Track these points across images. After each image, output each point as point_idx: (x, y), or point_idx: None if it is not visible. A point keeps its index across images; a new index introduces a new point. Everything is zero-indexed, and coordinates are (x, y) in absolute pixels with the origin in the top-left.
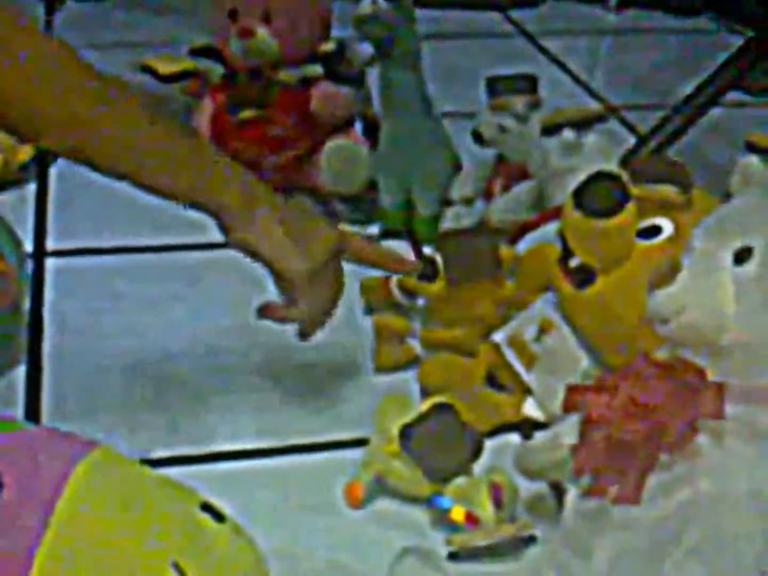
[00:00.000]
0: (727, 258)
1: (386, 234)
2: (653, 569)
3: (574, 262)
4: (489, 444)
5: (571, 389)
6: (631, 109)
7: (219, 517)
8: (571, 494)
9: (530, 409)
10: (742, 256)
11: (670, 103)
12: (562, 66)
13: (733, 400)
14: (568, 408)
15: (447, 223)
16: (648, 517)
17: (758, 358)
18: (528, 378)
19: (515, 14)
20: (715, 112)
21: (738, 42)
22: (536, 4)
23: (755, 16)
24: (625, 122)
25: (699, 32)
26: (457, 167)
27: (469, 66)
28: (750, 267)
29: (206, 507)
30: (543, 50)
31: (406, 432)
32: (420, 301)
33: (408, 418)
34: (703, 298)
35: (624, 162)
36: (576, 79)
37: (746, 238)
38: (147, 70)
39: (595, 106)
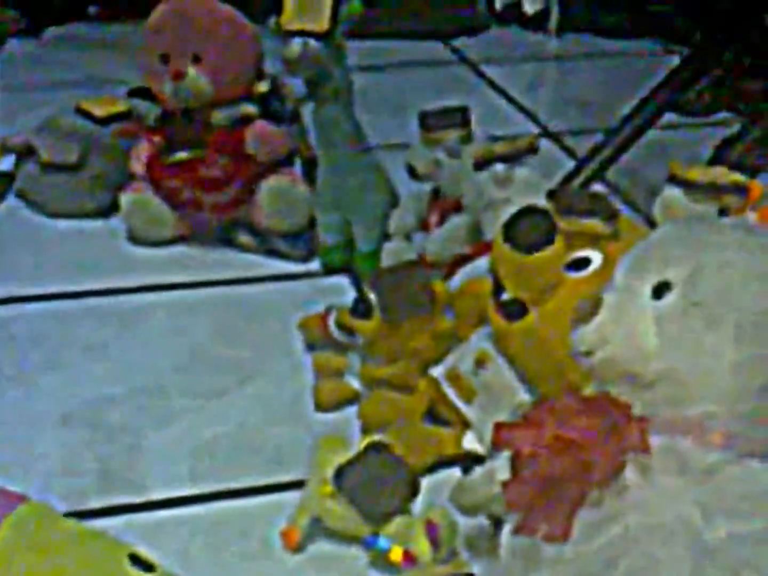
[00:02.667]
0: (646, 292)
1: (327, 270)
2: None
3: (505, 296)
4: (430, 479)
5: (499, 426)
6: (574, 134)
7: (148, 567)
8: (506, 530)
9: (470, 442)
10: (661, 290)
11: (611, 126)
12: (504, 93)
13: (659, 432)
14: (497, 445)
15: (387, 258)
16: (578, 553)
17: (681, 389)
18: (467, 412)
19: (457, 42)
20: (653, 133)
21: (677, 63)
22: (477, 31)
23: (691, 37)
24: (565, 147)
25: (639, 55)
26: (394, 201)
27: (411, 96)
28: (669, 300)
29: (135, 558)
30: (485, 78)
31: (340, 473)
32: (358, 339)
33: (343, 459)
34: (623, 332)
35: (551, 194)
36: (518, 106)
37: (665, 272)
38: (82, 112)
39: (525, 139)
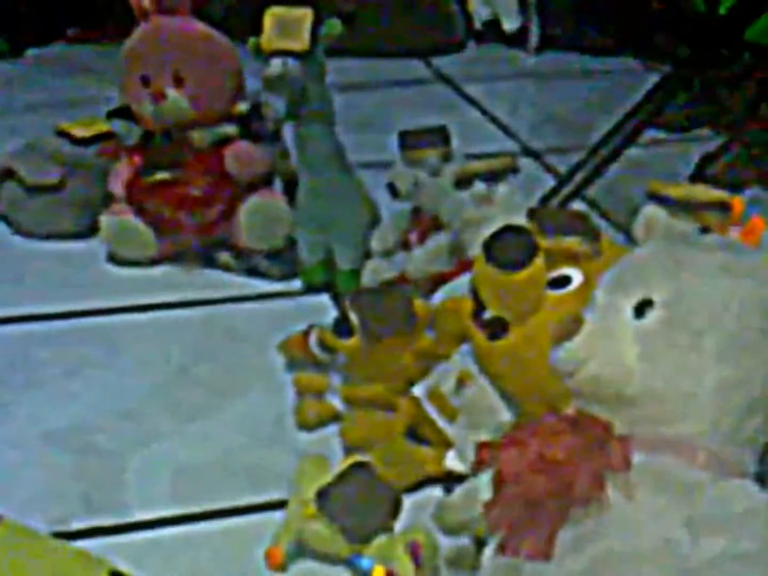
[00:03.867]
0: (627, 310)
1: (308, 289)
2: None
3: (486, 315)
4: (412, 499)
5: (482, 446)
6: (555, 152)
7: None
8: (488, 550)
9: (452, 461)
10: (642, 308)
11: (591, 144)
12: (484, 111)
13: (640, 450)
14: (479, 465)
15: (367, 276)
16: (561, 572)
17: (662, 408)
18: (449, 430)
19: (436, 61)
20: (634, 150)
21: (657, 79)
22: (457, 49)
23: (669, 54)
24: (547, 166)
25: (619, 72)
26: (375, 219)
27: (391, 114)
28: (651, 319)
29: (115, 574)
30: (465, 96)
31: (323, 493)
32: (340, 358)
33: (325, 479)
34: (604, 351)
35: (532, 213)
36: (498, 124)
37: (646, 290)
38: (63, 134)
39: (505, 157)
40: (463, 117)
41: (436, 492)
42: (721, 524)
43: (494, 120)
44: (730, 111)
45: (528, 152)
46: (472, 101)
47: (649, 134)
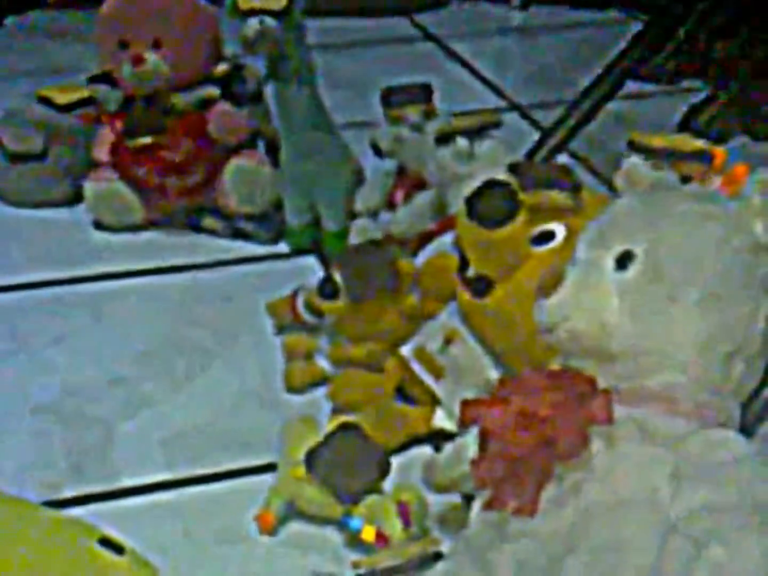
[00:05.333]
0: (608, 263)
1: (295, 251)
2: None
3: (471, 272)
4: (402, 458)
5: (466, 404)
6: (542, 107)
7: (118, 549)
8: (476, 506)
9: (440, 420)
10: (623, 261)
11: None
12: (470, 68)
13: (623, 403)
14: (464, 422)
15: (353, 236)
16: (546, 527)
17: (645, 360)
18: (437, 389)
19: (420, 18)
20: (620, 103)
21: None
22: (441, 5)
23: (654, 4)
24: (533, 120)
25: (606, 25)
26: (360, 179)
27: (377, 74)
28: (631, 272)
29: (104, 541)
30: (450, 53)
31: (312, 455)
32: (327, 319)
33: (314, 441)
34: (586, 305)
35: (513, 167)
36: (484, 80)
37: (626, 242)
38: (44, 100)
39: (488, 113)
40: (449, 74)
41: (424, 451)
42: (705, 475)
43: (480, 77)
44: (717, 58)
45: (514, 107)
46: (457, 58)
47: (636, 87)
